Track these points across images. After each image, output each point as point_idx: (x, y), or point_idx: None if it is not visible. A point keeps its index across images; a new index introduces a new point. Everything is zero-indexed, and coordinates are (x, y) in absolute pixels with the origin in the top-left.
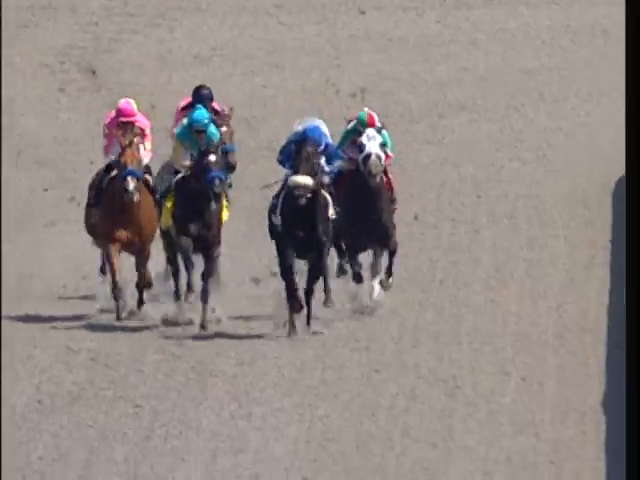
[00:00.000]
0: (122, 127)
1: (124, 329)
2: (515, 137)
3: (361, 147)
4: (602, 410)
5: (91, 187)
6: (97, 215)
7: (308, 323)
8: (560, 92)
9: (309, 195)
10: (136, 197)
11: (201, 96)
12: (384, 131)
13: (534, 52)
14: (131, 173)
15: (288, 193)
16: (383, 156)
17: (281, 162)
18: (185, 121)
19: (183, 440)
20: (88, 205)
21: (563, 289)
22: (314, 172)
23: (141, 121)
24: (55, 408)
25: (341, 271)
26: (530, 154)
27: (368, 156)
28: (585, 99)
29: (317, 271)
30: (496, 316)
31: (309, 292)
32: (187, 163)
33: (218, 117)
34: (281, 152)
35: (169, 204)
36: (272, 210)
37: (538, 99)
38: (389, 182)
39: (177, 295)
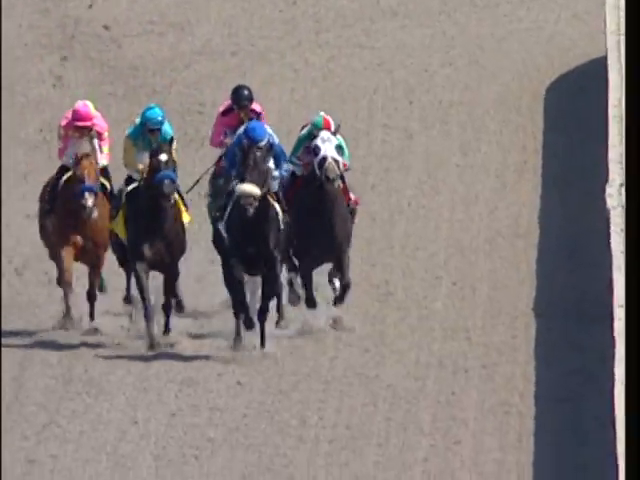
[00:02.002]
0: (79, 130)
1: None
2: (447, 43)
3: (316, 150)
4: (533, 314)
5: (42, 197)
6: (52, 221)
7: (262, 344)
8: None
9: (256, 204)
10: (94, 214)
11: (240, 97)
12: (339, 137)
13: None
14: (89, 189)
15: (236, 202)
16: (340, 160)
17: (226, 169)
18: (137, 120)
19: (117, 345)
20: (42, 215)
21: (495, 194)
22: (262, 180)
23: (99, 124)
24: None
25: (294, 295)
26: (462, 60)
27: (324, 159)
28: (517, 5)
29: (270, 288)
30: (428, 222)
31: (263, 311)
32: (140, 167)
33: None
34: (225, 156)
35: (121, 214)
36: (218, 218)
37: (470, 4)
38: (346, 191)
39: (127, 295)
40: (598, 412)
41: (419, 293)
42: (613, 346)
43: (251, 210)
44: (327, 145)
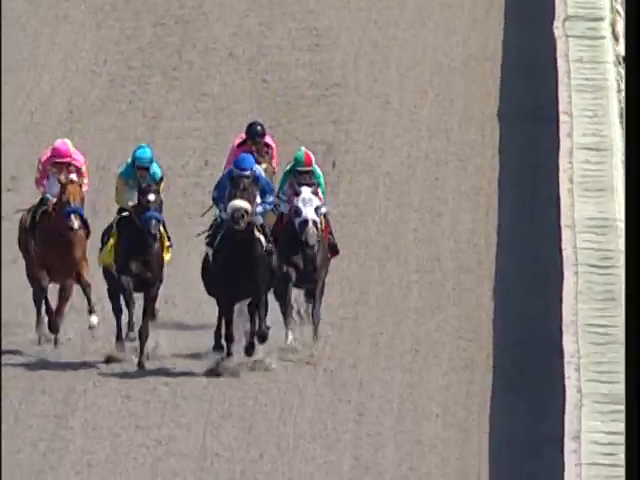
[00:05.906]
0: (58, 166)
1: None
2: None
3: (297, 211)
4: (497, 119)
5: (21, 227)
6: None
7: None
8: None
9: (248, 219)
10: (79, 234)
11: (254, 132)
12: (316, 167)
13: None
14: (74, 211)
15: (225, 233)
16: (319, 220)
17: (214, 199)
18: (129, 159)
19: None
20: (25, 238)
21: (468, 27)
22: (252, 201)
23: (77, 160)
24: (82, 117)
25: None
26: None
27: (305, 223)
28: None
29: (256, 317)
30: (417, 47)
31: (254, 340)
32: (131, 204)
33: (259, 155)
34: (215, 188)
35: (111, 241)
36: (209, 242)
37: None
38: (327, 228)
39: (118, 333)
40: (548, 173)
41: (410, 102)
42: (558, 143)
43: (242, 224)
44: (308, 208)
